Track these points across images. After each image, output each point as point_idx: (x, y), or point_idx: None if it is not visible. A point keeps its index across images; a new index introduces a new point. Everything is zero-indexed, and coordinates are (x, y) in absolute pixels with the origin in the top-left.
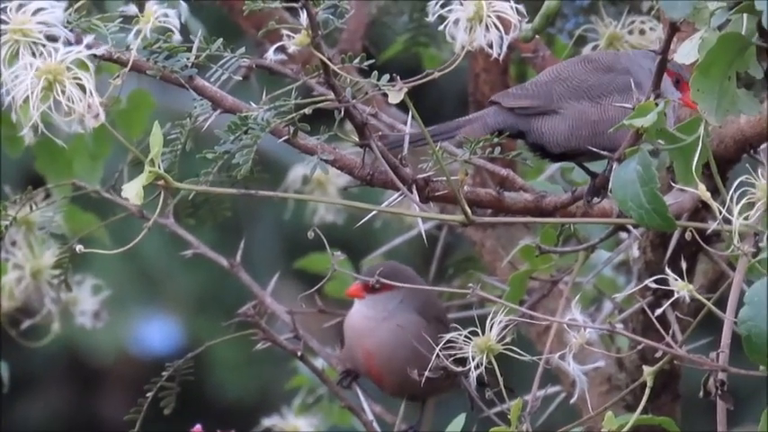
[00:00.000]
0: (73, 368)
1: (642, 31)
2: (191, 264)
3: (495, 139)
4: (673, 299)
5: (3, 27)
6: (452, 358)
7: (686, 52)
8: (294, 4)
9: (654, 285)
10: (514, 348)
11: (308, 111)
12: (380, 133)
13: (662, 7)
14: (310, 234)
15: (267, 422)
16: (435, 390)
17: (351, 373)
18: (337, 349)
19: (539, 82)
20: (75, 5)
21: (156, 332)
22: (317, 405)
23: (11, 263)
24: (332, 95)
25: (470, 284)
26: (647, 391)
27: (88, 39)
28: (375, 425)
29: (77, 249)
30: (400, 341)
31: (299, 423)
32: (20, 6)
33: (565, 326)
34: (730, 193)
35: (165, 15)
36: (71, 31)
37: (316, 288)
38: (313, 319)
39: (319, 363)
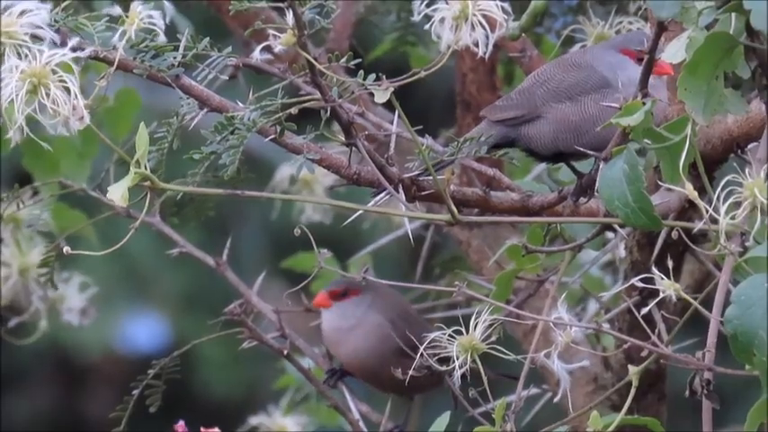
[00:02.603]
0: (60, 366)
1: (630, 32)
2: (178, 262)
3: (482, 139)
4: (659, 298)
5: None
6: (437, 357)
7: (674, 51)
8: (280, 4)
9: (640, 285)
10: (499, 347)
11: (294, 110)
12: (367, 132)
13: (650, 7)
14: (296, 231)
15: (254, 421)
16: (422, 387)
17: (336, 372)
18: (323, 347)
19: (522, 89)
20: (62, 5)
21: (143, 330)
22: (305, 404)
23: None
24: (318, 95)
25: (456, 283)
26: (633, 391)
27: (74, 41)
28: (361, 424)
29: (65, 251)
30: (372, 346)
31: (287, 422)
32: (5, 8)
33: (551, 324)
34: (717, 192)
35: (150, 17)
36: (57, 30)
37: (301, 285)
38: (300, 318)
39: (306, 362)
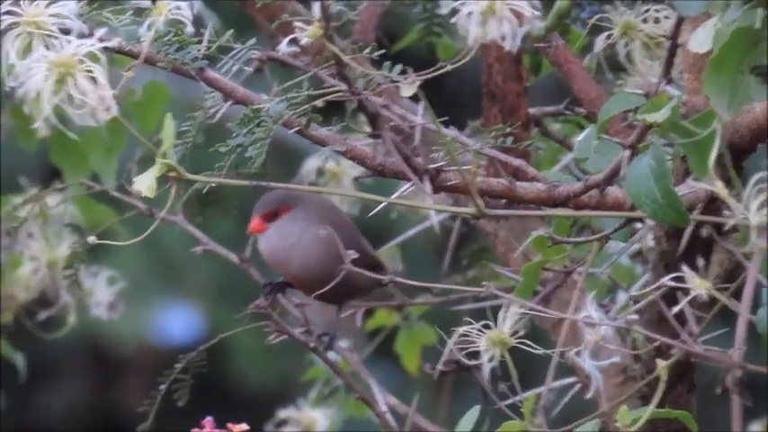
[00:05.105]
0: (93, 358)
1: (657, 20)
2: (210, 253)
3: (508, 129)
4: (690, 297)
5: (16, 19)
6: (465, 351)
7: (700, 40)
8: None
9: (670, 284)
10: (527, 342)
11: (319, 102)
12: (392, 123)
13: (675, 7)
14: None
15: (283, 414)
16: (353, 293)
17: (276, 286)
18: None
19: None
20: None
21: (177, 322)
22: (334, 397)
23: (27, 255)
24: (344, 87)
25: (484, 283)
26: (662, 385)
27: (101, 31)
28: (389, 416)
29: (90, 240)
30: (319, 258)
31: (316, 415)
32: None
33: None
34: (748, 189)
35: (178, 8)
36: (84, 23)
37: (333, 283)
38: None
39: (333, 354)
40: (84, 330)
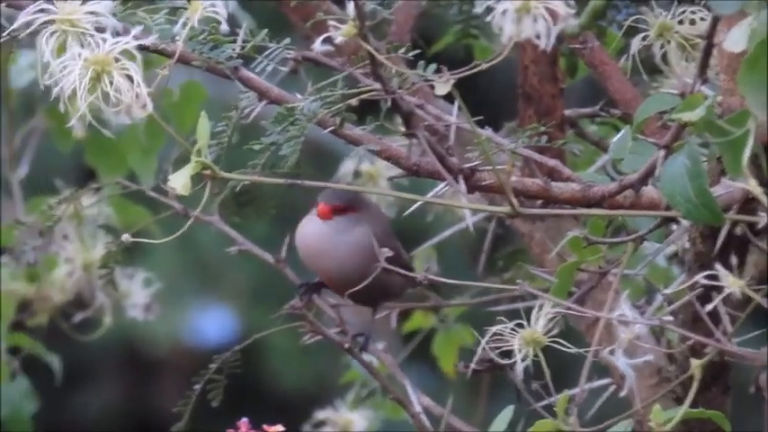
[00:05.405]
0: (128, 360)
1: (692, 22)
2: (245, 253)
3: (543, 129)
4: (723, 295)
5: (51, 17)
6: (498, 350)
7: (735, 39)
8: None
9: (705, 282)
10: (561, 341)
11: (354, 102)
12: (427, 123)
13: (711, 6)
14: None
15: (321, 415)
16: (388, 295)
17: (311, 286)
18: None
19: None
20: None
21: (212, 323)
22: (370, 399)
23: (62, 256)
24: (378, 86)
25: (519, 281)
26: (696, 385)
27: (136, 30)
28: (423, 417)
29: (124, 239)
30: (358, 259)
31: (353, 416)
32: None
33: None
34: None
35: (212, 6)
36: (118, 21)
37: (364, 284)
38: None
39: (368, 356)
40: (119, 332)
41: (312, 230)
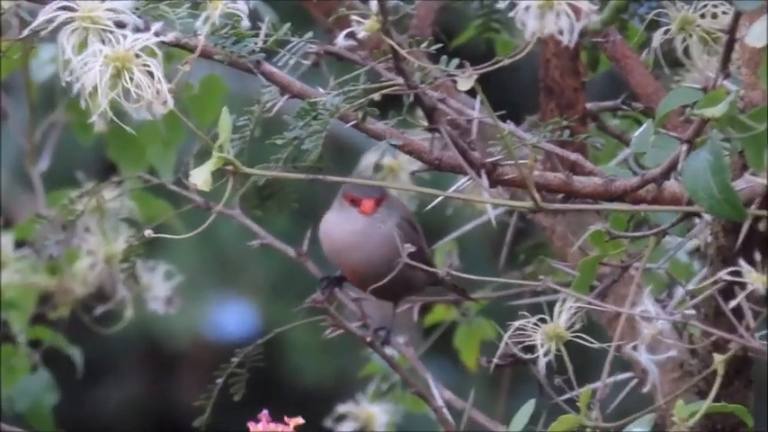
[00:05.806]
0: (149, 354)
1: (714, 15)
2: (266, 247)
3: (564, 122)
4: (746, 291)
5: (72, 14)
6: (521, 345)
7: (757, 34)
8: None
9: (728, 278)
10: (583, 336)
11: (376, 96)
12: (449, 117)
13: (733, 1)
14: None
15: (342, 409)
16: (409, 290)
17: (333, 280)
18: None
19: None
20: None
21: (232, 317)
22: (391, 392)
23: (84, 249)
24: (401, 81)
25: (541, 277)
26: (719, 380)
27: (156, 25)
28: (445, 411)
29: (147, 233)
30: (387, 251)
31: (375, 410)
32: None
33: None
34: None
35: (234, 1)
36: (139, 17)
37: (388, 278)
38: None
39: (390, 349)
40: (140, 325)
41: (354, 226)
